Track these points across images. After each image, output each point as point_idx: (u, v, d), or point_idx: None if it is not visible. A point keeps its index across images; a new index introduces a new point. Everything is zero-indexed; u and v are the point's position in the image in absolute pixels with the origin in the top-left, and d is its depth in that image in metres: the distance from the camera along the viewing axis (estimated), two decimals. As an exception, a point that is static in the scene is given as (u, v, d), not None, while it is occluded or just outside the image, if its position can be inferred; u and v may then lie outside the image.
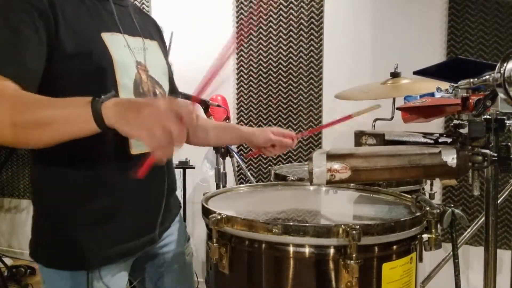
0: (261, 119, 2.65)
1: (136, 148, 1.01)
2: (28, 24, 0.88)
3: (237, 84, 2.69)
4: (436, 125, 2.28)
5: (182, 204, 1.20)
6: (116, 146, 0.99)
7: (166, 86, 1.15)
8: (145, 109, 0.71)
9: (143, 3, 2.83)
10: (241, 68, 2.67)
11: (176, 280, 1.22)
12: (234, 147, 2.60)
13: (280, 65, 2.58)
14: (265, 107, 2.63)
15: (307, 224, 0.83)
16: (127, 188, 1.00)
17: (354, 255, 0.78)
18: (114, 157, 0.99)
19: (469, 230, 1.93)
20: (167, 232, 1.17)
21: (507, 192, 1.85)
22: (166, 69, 1.19)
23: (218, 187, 2.14)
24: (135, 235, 1.04)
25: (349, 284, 0.79)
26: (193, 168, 2.60)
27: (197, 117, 0.77)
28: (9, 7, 0.90)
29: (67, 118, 0.78)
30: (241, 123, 2.68)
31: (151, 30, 1.20)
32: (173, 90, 1.28)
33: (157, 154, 0.71)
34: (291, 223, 0.84)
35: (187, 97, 1.89)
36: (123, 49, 1.02)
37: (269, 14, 2.58)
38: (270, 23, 2.58)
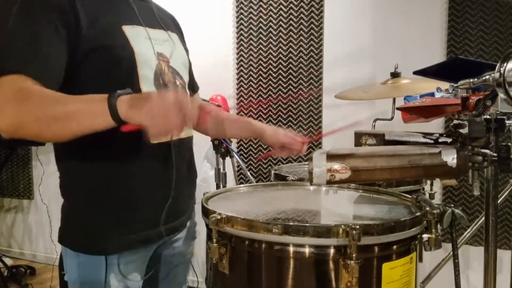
0: (261, 119, 2.64)
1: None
2: (48, 23, 0.92)
3: (237, 84, 2.69)
4: (436, 125, 2.28)
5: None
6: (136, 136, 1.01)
7: (186, 77, 1.19)
8: (153, 99, 0.78)
9: (143, 3, 2.83)
10: (241, 68, 2.67)
11: (176, 276, 1.24)
12: (234, 147, 2.60)
13: (280, 65, 2.58)
14: (265, 107, 2.63)
15: (307, 224, 0.83)
16: (144, 180, 1.05)
17: (354, 255, 0.78)
18: (134, 148, 1.02)
19: (469, 230, 1.93)
20: (187, 224, 1.20)
21: (507, 192, 1.85)
22: (187, 61, 1.23)
23: (218, 187, 2.14)
24: (152, 225, 1.07)
25: (349, 284, 0.79)
26: (193, 168, 2.60)
27: (198, 115, 0.84)
28: (29, 7, 0.93)
29: (85, 112, 0.84)
30: (241, 123, 2.68)
31: (170, 24, 1.24)
32: (193, 86, 1.31)
33: (153, 137, 0.80)
34: (291, 223, 0.84)
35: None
36: (144, 41, 1.05)
37: (269, 14, 2.58)
38: (270, 23, 2.58)
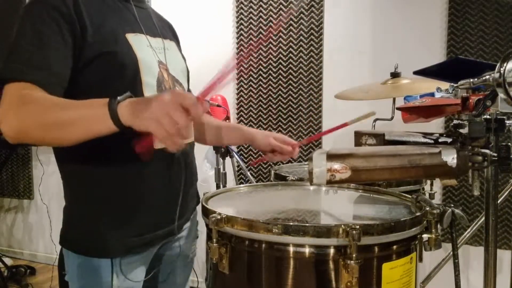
0: (261, 119, 2.65)
1: (158, 143, 1.02)
2: (53, 29, 0.93)
3: (237, 84, 2.69)
4: (436, 125, 2.28)
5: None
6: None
7: (185, 84, 1.20)
8: (152, 102, 0.77)
9: (143, 3, 2.83)
10: (241, 68, 2.67)
11: (178, 276, 1.24)
12: (234, 147, 2.60)
13: (280, 65, 2.58)
14: (265, 107, 2.63)
15: (307, 224, 0.83)
16: (149, 181, 1.04)
17: (354, 255, 0.78)
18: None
19: (469, 230, 1.93)
20: (185, 225, 1.20)
21: (507, 192, 1.85)
22: (185, 68, 1.24)
23: (218, 187, 2.14)
24: (156, 227, 1.08)
25: (349, 284, 0.79)
26: (193, 168, 2.60)
27: (202, 111, 0.81)
28: (34, 13, 0.94)
29: (87, 118, 0.85)
30: (241, 123, 2.68)
31: (168, 32, 1.25)
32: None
33: (167, 144, 0.77)
34: (291, 223, 0.84)
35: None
36: (146, 49, 1.06)
37: (269, 14, 2.58)
38: (270, 24, 2.58)
